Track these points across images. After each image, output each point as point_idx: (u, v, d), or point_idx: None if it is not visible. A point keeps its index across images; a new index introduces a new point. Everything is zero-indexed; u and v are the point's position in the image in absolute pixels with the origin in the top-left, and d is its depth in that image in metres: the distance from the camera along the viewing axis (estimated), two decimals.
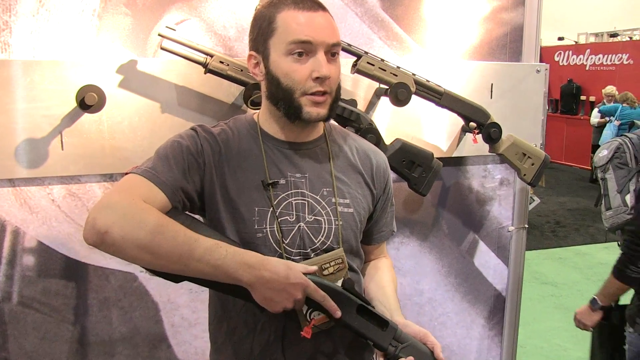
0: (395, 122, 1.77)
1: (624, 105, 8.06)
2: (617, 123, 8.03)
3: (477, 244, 2.02)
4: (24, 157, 1.40)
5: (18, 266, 1.47)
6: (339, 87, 1.10)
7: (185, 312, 1.65)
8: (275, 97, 1.07)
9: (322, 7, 1.07)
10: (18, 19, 1.37)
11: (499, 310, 2.10)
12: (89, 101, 1.34)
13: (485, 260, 2.04)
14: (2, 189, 1.42)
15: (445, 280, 2.00)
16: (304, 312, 1.05)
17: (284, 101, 1.06)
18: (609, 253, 5.44)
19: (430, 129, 1.83)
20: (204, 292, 1.66)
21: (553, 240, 5.89)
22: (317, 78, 1.03)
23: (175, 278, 1.03)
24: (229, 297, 1.13)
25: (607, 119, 8.34)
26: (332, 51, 1.06)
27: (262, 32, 1.06)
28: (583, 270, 4.98)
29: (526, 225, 2.07)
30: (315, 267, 1.05)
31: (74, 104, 1.40)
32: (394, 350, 1.05)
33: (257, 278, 0.97)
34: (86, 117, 1.43)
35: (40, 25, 1.39)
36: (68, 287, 1.53)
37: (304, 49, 1.03)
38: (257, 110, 1.19)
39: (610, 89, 8.71)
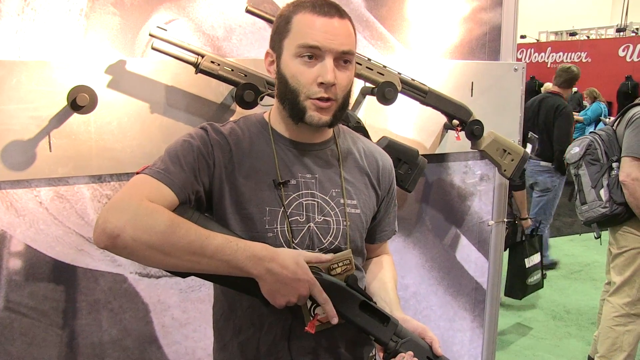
0: (380, 120, 1.81)
1: (603, 103, 8.26)
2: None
3: (459, 238, 2.07)
4: (11, 159, 1.37)
5: (4, 270, 1.44)
6: (347, 94, 1.10)
7: (176, 313, 1.65)
8: (282, 96, 1.09)
9: (340, 14, 1.07)
10: (2, 18, 1.35)
11: (480, 302, 2.16)
12: (80, 102, 1.32)
13: (467, 254, 2.10)
14: None
15: (429, 274, 2.04)
16: (308, 307, 1.07)
17: (289, 102, 1.07)
18: (574, 245, 5.62)
19: (413, 126, 1.87)
20: (194, 292, 1.67)
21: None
22: (322, 84, 1.04)
23: (183, 274, 1.04)
24: (235, 296, 1.14)
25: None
26: (343, 58, 1.06)
27: (279, 31, 1.08)
28: None
29: (505, 219, 2.14)
30: (329, 256, 1.06)
31: (62, 104, 1.38)
32: (395, 345, 1.08)
33: (267, 270, 0.98)
34: (74, 118, 1.41)
35: (25, 24, 1.37)
36: (56, 290, 1.50)
37: (312, 54, 1.04)
38: (267, 109, 1.20)
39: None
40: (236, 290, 1.08)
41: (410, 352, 1.07)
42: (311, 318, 1.07)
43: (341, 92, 1.07)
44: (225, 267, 0.99)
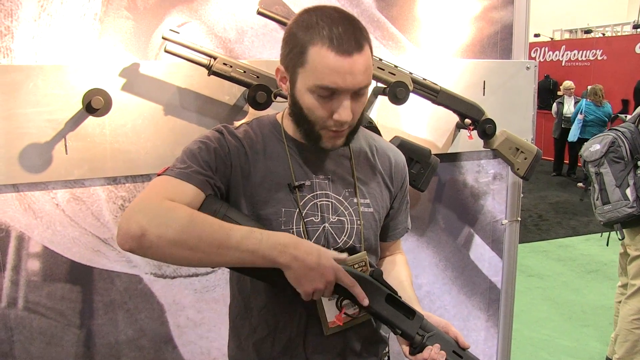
0: (392, 120, 1.81)
1: (588, 100, 8.17)
2: (580, 117, 8.13)
3: (472, 237, 2.06)
4: (28, 162, 1.40)
5: (23, 271, 1.47)
6: (361, 116, 1.09)
7: (191, 313, 1.66)
8: (297, 119, 1.08)
9: (359, 48, 1.01)
10: (20, 24, 1.37)
11: (495, 301, 2.15)
12: (95, 105, 1.35)
13: (481, 253, 2.09)
14: (6, 194, 1.42)
15: (443, 273, 2.04)
16: (335, 300, 1.08)
17: (305, 128, 1.07)
18: (590, 245, 5.57)
19: (425, 126, 1.87)
20: (209, 292, 1.69)
21: (536, 233, 6.00)
22: (337, 120, 1.03)
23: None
24: (251, 296, 1.16)
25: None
26: (359, 93, 1.04)
27: (293, 56, 1.04)
28: (566, 262, 5.09)
29: (519, 218, 2.13)
30: (345, 255, 1.05)
31: (77, 108, 1.41)
32: (421, 339, 1.07)
33: (293, 257, 0.98)
34: (90, 120, 1.44)
35: (42, 30, 1.39)
36: (73, 291, 1.53)
37: (328, 94, 1.02)
38: (279, 111, 1.21)
39: (569, 83, 8.90)
40: (263, 281, 1.08)
41: (438, 345, 1.07)
42: (338, 311, 1.08)
43: (355, 118, 1.07)
44: (251, 257, 0.98)
